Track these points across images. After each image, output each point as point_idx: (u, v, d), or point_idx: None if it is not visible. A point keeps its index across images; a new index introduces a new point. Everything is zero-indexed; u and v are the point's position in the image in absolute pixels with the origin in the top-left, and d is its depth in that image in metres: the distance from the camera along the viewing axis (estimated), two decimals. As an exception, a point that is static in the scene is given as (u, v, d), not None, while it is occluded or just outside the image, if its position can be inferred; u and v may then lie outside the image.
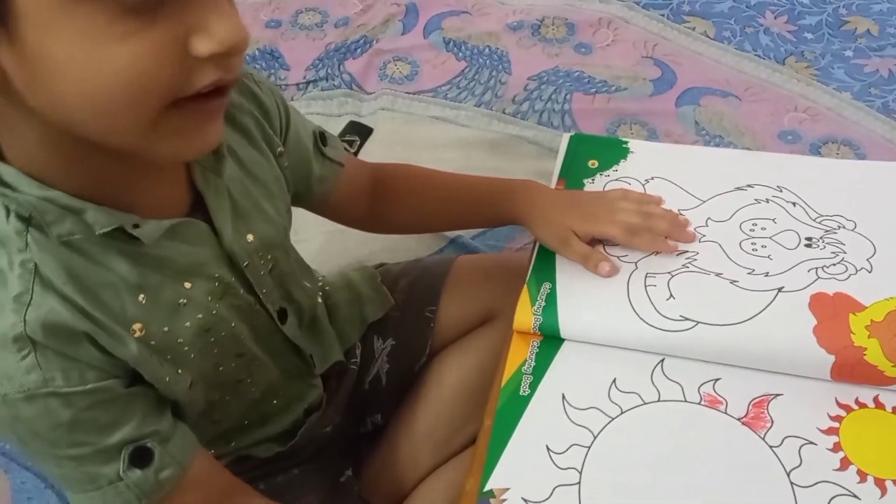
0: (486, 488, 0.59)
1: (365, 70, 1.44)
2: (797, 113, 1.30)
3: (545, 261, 0.74)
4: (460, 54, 1.45)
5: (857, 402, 0.62)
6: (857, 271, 0.68)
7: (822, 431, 0.61)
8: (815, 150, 1.24)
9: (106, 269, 0.51)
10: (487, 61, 1.43)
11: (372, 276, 0.87)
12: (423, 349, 0.85)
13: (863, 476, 0.58)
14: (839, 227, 0.73)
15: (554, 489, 0.59)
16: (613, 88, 1.36)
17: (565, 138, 0.86)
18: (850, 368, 0.62)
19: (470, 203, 0.80)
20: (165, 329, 0.55)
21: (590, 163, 0.82)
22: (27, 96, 0.43)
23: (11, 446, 0.98)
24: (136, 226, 0.51)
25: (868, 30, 1.45)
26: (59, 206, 0.48)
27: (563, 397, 0.64)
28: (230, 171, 0.59)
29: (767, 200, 0.76)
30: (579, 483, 0.59)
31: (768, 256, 0.70)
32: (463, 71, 1.42)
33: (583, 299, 0.69)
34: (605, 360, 0.66)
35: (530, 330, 0.68)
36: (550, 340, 0.68)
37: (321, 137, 0.73)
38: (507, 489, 0.59)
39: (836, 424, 0.61)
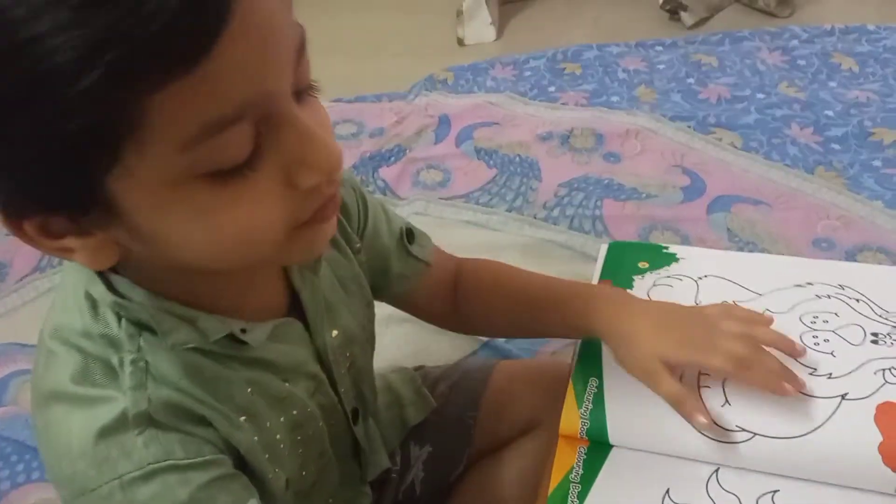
0: None
1: (398, 177, 1.47)
2: (830, 220, 1.30)
3: (590, 353, 0.71)
4: (491, 162, 1.48)
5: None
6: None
7: (889, 547, 0.57)
8: (851, 257, 1.23)
9: (222, 366, 0.52)
10: (518, 169, 1.46)
11: (412, 378, 0.85)
12: (461, 457, 0.82)
13: None
14: None
15: None
16: (644, 195, 1.38)
17: (603, 248, 0.84)
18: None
19: (548, 313, 0.71)
20: (268, 424, 0.55)
21: (640, 264, 0.80)
22: (151, 257, 0.45)
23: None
24: (243, 330, 0.52)
25: (894, 140, 1.46)
26: (174, 315, 0.49)
27: (614, 509, 0.61)
28: (321, 269, 0.61)
29: (829, 297, 0.73)
30: None
31: (832, 353, 0.67)
32: (494, 178, 1.45)
33: (632, 401, 0.67)
34: (657, 469, 0.63)
35: (577, 435, 0.66)
36: (598, 445, 0.66)
37: (408, 235, 0.72)
38: None
39: (903, 538, 0.58)
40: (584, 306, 0.68)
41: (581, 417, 0.66)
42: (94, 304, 0.50)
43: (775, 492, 0.61)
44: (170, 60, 0.36)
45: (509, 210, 1.37)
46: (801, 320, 0.71)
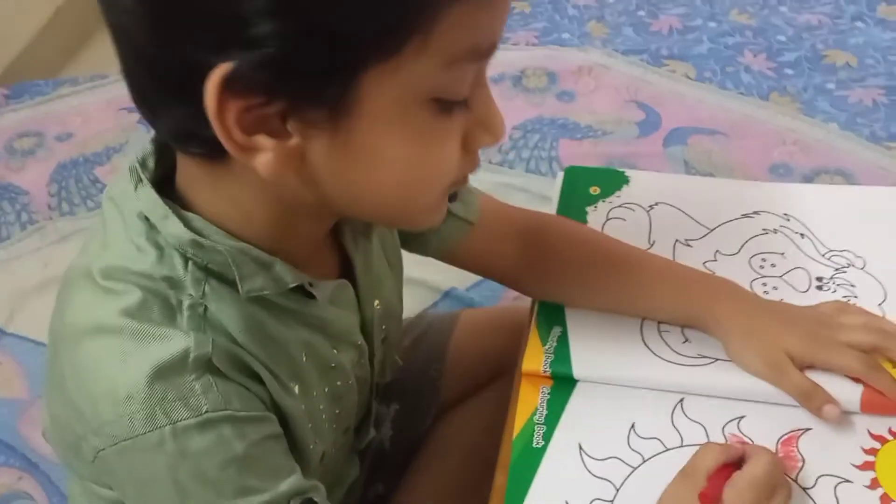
0: (505, 552, 0.55)
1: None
2: (786, 146, 1.30)
3: (552, 305, 0.70)
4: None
5: (891, 431, 0.59)
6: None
7: (857, 467, 0.57)
8: (809, 181, 1.23)
9: (283, 324, 0.50)
10: (471, 114, 1.43)
11: None
12: (428, 411, 0.81)
13: (907, 512, 0.54)
14: (849, 266, 0.70)
15: (578, 549, 0.54)
16: (599, 133, 1.36)
17: (560, 174, 0.83)
18: (881, 399, 0.59)
19: (657, 292, 0.66)
20: (314, 393, 0.53)
21: (591, 189, 0.79)
22: (322, 179, 0.44)
23: None
24: (310, 284, 0.51)
25: (847, 62, 1.45)
26: (251, 257, 0.47)
27: (580, 447, 0.60)
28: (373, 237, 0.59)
29: (775, 231, 0.74)
30: (605, 540, 0.55)
31: (781, 301, 0.67)
32: (447, 124, 1.41)
33: (596, 341, 0.66)
34: (622, 402, 0.62)
35: (540, 371, 0.64)
36: (562, 385, 0.64)
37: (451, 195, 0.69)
38: (527, 551, 0.55)
39: (871, 458, 0.57)
40: (705, 295, 0.64)
41: (545, 353, 0.65)
42: (157, 244, 0.46)
43: (741, 418, 0.61)
44: None
45: (464, 156, 1.34)
46: (750, 265, 0.71)
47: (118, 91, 1.35)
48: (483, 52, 0.42)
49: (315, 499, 0.50)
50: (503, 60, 1.51)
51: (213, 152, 0.42)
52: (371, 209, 0.48)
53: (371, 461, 0.79)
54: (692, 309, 0.64)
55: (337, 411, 0.58)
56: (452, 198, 0.67)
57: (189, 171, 0.48)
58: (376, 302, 0.60)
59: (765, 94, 1.40)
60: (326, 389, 0.55)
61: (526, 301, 0.74)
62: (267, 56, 0.37)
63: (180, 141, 0.45)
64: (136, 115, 1.39)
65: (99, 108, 1.50)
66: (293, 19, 0.37)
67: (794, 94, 1.40)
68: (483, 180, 1.27)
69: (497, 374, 0.80)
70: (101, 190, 1.36)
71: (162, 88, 0.42)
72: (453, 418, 0.80)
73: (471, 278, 1.13)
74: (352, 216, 0.53)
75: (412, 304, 1.06)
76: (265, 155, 0.41)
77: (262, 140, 0.41)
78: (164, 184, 0.49)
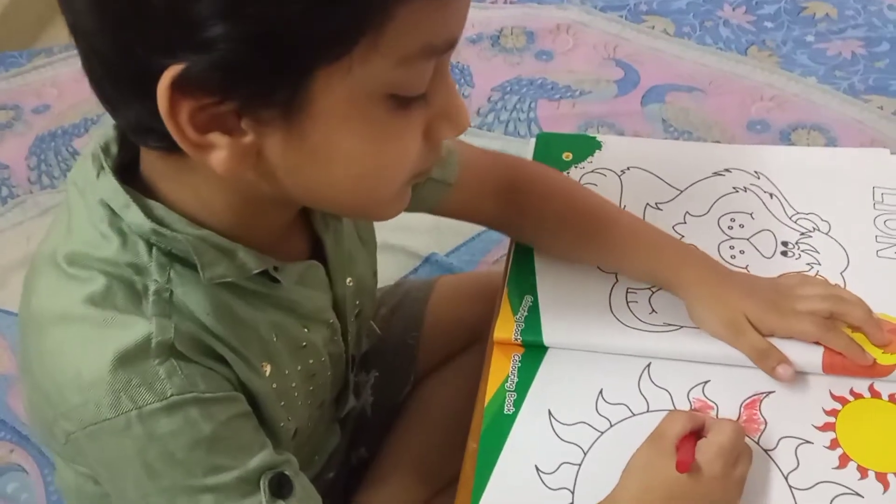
0: (476, 516, 0.57)
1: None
2: (764, 102, 1.29)
3: (523, 272, 0.71)
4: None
5: (852, 392, 0.60)
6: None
7: (818, 428, 0.59)
8: (786, 137, 1.23)
9: (251, 307, 0.51)
10: (449, 76, 1.42)
11: None
12: (407, 378, 0.82)
13: (863, 472, 0.56)
14: (814, 230, 0.71)
15: (546, 512, 0.56)
16: (578, 93, 1.35)
17: (532, 141, 0.84)
18: (841, 360, 0.60)
19: (628, 252, 0.68)
20: (286, 372, 0.54)
21: (564, 155, 0.80)
22: (279, 175, 0.44)
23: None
24: (276, 268, 0.51)
25: (827, 14, 1.45)
26: (212, 245, 0.47)
27: (550, 413, 0.62)
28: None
29: (745, 189, 0.75)
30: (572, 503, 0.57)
31: (746, 267, 0.69)
32: (426, 88, 1.40)
33: (566, 309, 0.67)
34: (590, 369, 0.64)
35: (511, 338, 0.66)
36: (532, 353, 0.66)
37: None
38: (498, 515, 0.56)
39: (831, 420, 0.59)
40: (675, 260, 0.66)
41: (517, 322, 0.67)
42: (121, 231, 0.47)
43: (706, 382, 0.62)
44: None
45: (444, 119, 1.34)
46: (719, 224, 0.72)
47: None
48: (439, 49, 0.42)
49: (286, 472, 0.51)
50: (481, 20, 1.50)
51: (171, 147, 0.42)
52: (330, 203, 0.49)
53: (353, 427, 0.81)
54: (661, 271, 0.67)
55: (311, 388, 0.59)
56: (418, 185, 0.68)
57: (151, 161, 0.48)
58: (349, 279, 0.60)
59: (743, 48, 1.39)
60: (299, 368, 0.56)
61: (501, 266, 0.75)
62: (217, 58, 0.38)
63: (139, 135, 0.45)
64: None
65: (74, 78, 1.48)
66: (241, 23, 0.37)
67: (773, 47, 1.39)
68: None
69: (474, 340, 0.81)
70: (81, 162, 1.36)
71: (119, 86, 0.42)
72: (432, 383, 0.82)
73: (450, 244, 1.14)
74: (313, 207, 0.54)
75: (392, 271, 1.07)
76: (220, 152, 0.41)
77: (217, 138, 0.41)
78: (129, 169, 0.49)
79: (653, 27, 1.46)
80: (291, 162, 0.43)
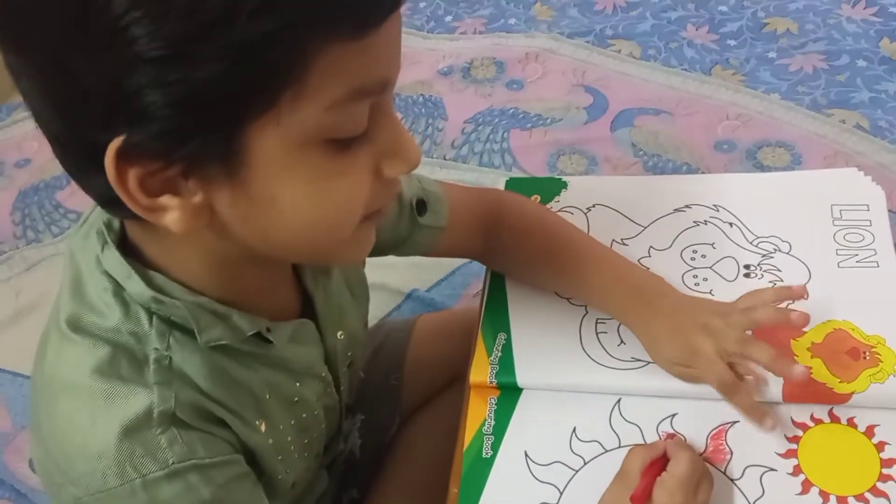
0: (459, 562, 0.59)
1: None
2: (730, 121, 1.33)
3: (497, 308, 0.74)
4: (395, 106, 1.46)
5: (812, 418, 0.63)
6: (794, 301, 0.67)
7: (781, 455, 0.61)
8: (752, 155, 1.27)
9: (245, 367, 0.53)
10: (423, 109, 1.44)
11: None
12: (392, 419, 0.84)
13: (825, 496, 0.58)
14: (775, 251, 0.74)
15: (526, 553, 0.58)
16: (549, 121, 1.38)
17: (502, 184, 0.86)
18: (801, 388, 0.63)
19: (592, 285, 0.71)
20: (280, 427, 0.56)
21: (532, 198, 0.82)
22: (234, 229, 0.46)
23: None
24: (268, 329, 0.53)
25: (788, 29, 1.48)
26: (208, 310, 0.50)
27: (526, 454, 0.64)
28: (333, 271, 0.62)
29: (706, 222, 0.78)
30: (550, 543, 0.59)
31: (710, 292, 0.71)
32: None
33: (538, 348, 0.70)
34: (563, 408, 0.66)
35: (487, 382, 0.68)
36: (508, 396, 0.68)
37: (419, 207, 0.71)
38: (480, 560, 0.59)
39: (794, 446, 0.61)
40: (623, 299, 0.69)
41: (491, 364, 0.69)
42: (123, 301, 0.50)
43: (673, 415, 0.65)
44: (349, 24, 0.40)
45: (419, 154, 1.36)
46: (682, 257, 0.75)
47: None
48: (372, 91, 0.43)
49: None
50: (451, 52, 1.53)
51: (139, 216, 0.44)
52: (293, 251, 0.51)
53: (343, 469, 0.83)
54: (614, 311, 0.70)
55: (305, 441, 0.61)
56: (422, 210, 0.71)
57: (132, 230, 0.51)
58: (339, 333, 0.63)
59: (707, 68, 1.43)
60: (293, 422, 0.58)
61: (479, 301, 0.77)
62: (153, 126, 0.40)
63: (108, 206, 0.48)
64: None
65: (55, 131, 1.51)
66: (167, 90, 0.39)
67: (737, 65, 1.43)
68: (437, 178, 1.30)
69: (455, 377, 0.83)
70: (64, 215, 1.37)
71: (77, 162, 0.45)
72: (414, 426, 0.84)
73: (431, 279, 1.16)
74: (278, 259, 0.55)
75: (375, 309, 1.08)
76: (173, 213, 0.44)
77: (168, 200, 0.43)
78: (128, 241, 0.52)
79: (619, 51, 1.49)
80: (242, 214, 0.45)
